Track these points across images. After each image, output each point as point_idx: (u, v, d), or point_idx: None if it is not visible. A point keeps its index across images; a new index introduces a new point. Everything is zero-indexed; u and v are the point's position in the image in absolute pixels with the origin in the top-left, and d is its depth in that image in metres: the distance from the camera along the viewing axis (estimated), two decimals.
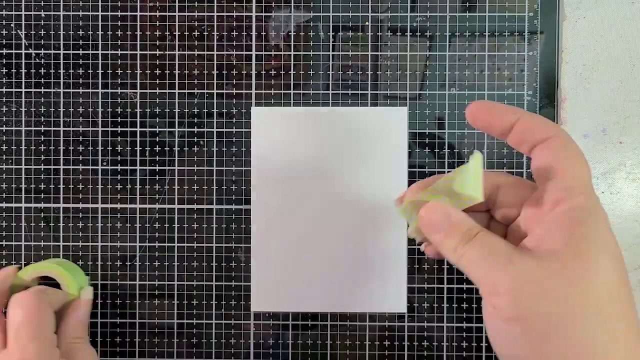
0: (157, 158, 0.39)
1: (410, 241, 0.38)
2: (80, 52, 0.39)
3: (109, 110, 0.39)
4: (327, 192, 0.38)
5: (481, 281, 0.24)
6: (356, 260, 0.38)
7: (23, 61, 0.39)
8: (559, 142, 0.25)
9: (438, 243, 0.26)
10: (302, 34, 0.39)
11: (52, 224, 0.39)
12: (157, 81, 0.39)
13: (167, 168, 0.39)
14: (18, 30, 0.39)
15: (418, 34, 0.39)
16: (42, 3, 0.39)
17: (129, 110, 0.39)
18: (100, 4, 0.39)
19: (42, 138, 0.39)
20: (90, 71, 0.39)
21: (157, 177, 0.39)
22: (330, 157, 0.38)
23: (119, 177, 0.39)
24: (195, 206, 0.39)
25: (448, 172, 0.29)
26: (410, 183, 0.38)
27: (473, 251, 0.24)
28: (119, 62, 0.39)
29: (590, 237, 0.24)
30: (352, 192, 0.38)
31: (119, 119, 0.39)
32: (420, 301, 0.39)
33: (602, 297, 0.23)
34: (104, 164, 0.39)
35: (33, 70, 0.39)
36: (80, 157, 0.39)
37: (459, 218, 0.25)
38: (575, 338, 0.23)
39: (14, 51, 0.39)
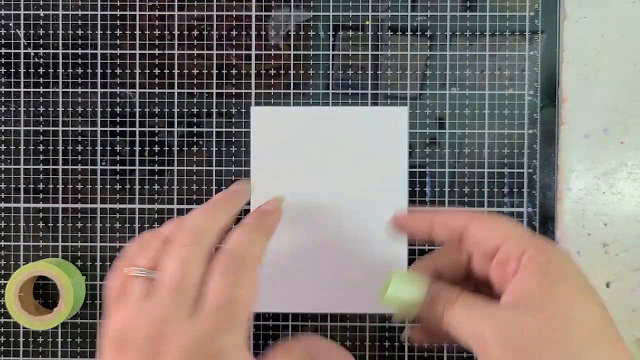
0: (157, 158, 0.39)
1: (411, 241, 0.38)
2: (79, 51, 0.39)
3: (108, 110, 0.39)
4: (327, 192, 0.38)
5: (471, 338, 0.25)
6: (356, 261, 0.38)
7: (22, 61, 0.39)
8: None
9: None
10: (302, 33, 0.39)
11: (50, 224, 0.39)
12: (157, 81, 0.39)
13: (166, 168, 0.39)
14: (17, 30, 0.39)
15: (418, 33, 0.39)
16: (41, 2, 0.39)
17: (128, 110, 0.39)
18: (99, 3, 0.39)
19: (41, 138, 0.39)
20: (90, 71, 0.39)
21: (156, 177, 0.39)
22: (330, 157, 0.38)
23: (118, 177, 0.39)
24: (194, 206, 0.39)
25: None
26: (411, 184, 0.38)
27: (456, 312, 0.26)
28: (118, 61, 0.39)
29: (559, 275, 0.25)
30: (352, 193, 0.38)
31: (118, 119, 0.39)
32: None
33: (588, 329, 0.24)
34: (103, 163, 0.39)
35: (32, 70, 0.39)
36: (79, 157, 0.39)
37: (438, 288, 0.27)
38: None
39: (12, 51, 0.39)
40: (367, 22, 0.39)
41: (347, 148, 0.38)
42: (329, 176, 0.38)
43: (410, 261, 0.38)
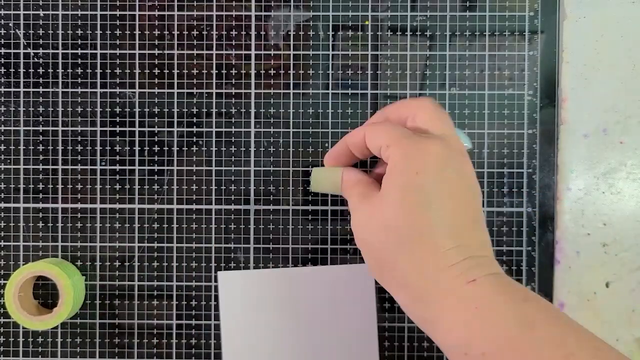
0: (156, 158, 0.39)
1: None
2: (79, 51, 0.39)
3: (108, 110, 0.39)
4: (299, 351, 0.38)
5: (351, 214, 0.33)
6: (329, 349, 0.38)
7: (21, 61, 0.39)
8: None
9: (345, 189, 0.35)
10: (301, 33, 0.39)
11: (50, 224, 0.39)
12: (156, 81, 0.39)
13: (166, 168, 0.39)
14: (16, 30, 0.39)
15: (418, 33, 0.39)
16: (41, 2, 0.39)
17: (127, 110, 0.39)
18: (99, 3, 0.39)
19: (41, 138, 0.39)
20: (89, 71, 0.39)
21: (156, 177, 0.39)
22: (300, 316, 0.38)
23: (117, 177, 0.39)
24: (194, 206, 0.39)
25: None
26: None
27: (350, 193, 0.33)
28: (118, 61, 0.39)
29: (391, 178, 0.30)
30: (324, 351, 0.38)
31: (117, 119, 0.39)
32: None
33: (393, 224, 0.29)
34: (103, 163, 0.39)
35: (31, 70, 0.39)
36: (79, 157, 0.39)
37: (347, 175, 0.34)
38: (382, 261, 0.30)
39: (12, 51, 0.39)
40: (366, 22, 0.39)
41: (316, 307, 0.38)
42: (300, 335, 0.38)
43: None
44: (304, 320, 0.38)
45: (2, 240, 0.39)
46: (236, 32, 0.39)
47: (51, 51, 0.39)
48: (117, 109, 0.39)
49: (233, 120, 0.39)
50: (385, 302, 0.39)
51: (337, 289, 0.38)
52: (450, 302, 0.28)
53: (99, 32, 0.39)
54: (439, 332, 0.29)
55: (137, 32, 0.39)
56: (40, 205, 0.39)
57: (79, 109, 0.39)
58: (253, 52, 0.39)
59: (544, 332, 0.26)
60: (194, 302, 0.39)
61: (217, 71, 0.39)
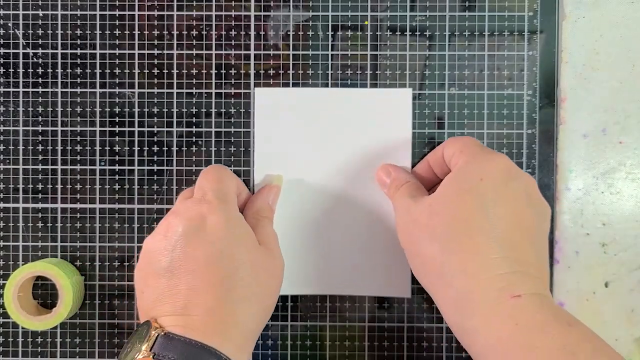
0: (156, 158, 0.39)
1: None
2: (78, 51, 0.39)
3: (107, 110, 0.39)
4: (331, 175, 0.38)
5: (396, 213, 0.34)
6: (361, 245, 0.38)
7: (20, 61, 0.39)
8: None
9: (385, 193, 0.36)
10: (301, 33, 0.39)
11: (49, 224, 0.39)
12: (156, 81, 0.39)
13: (165, 168, 0.39)
14: (15, 30, 0.39)
15: (417, 33, 0.39)
16: (40, 2, 0.39)
17: (127, 110, 0.39)
18: (98, 3, 0.39)
19: (40, 138, 0.39)
20: (88, 71, 0.39)
21: (155, 177, 0.39)
22: (334, 139, 0.38)
23: (117, 177, 0.39)
24: None
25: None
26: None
27: (398, 194, 0.34)
28: (117, 61, 0.39)
29: (453, 179, 0.31)
30: (356, 176, 0.38)
31: (117, 119, 0.39)
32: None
33: (446, 222, 0.30)
34: (102, 163, 0.39)
35: (31, 70, 0.39)
36: (78, 157, 0.39)
37: (396, 174, 0.36)
38: (429, 262, 0.31)
39: (11, 51, 0.39)
40: (366, 22, 0.39)
41: (351, 130, 0.38)
42: (332, 158, 0.38)
43: None
44: (336, 140, 0.38)
45: (2, 240, 0.39)
46: (236, 32, 0.39)
47: (50, 51, 0.39)
48: (117, 109, 0.39)
49: (233, 120, 0.39)
50: (384, 302, 0.39)
51: (376, 111, 0.38)
52: (491, 315, 0.27)
53: (98, 32, 0.39)
54: (478, 343, 0.28)
55: (136, 32, 0.39)
56: (40, 205, 0.39)
57: (79, 109, 0.39)
58: (252, 52, 0.39)
59: None
60: None
61: (216, 71, 0.39)
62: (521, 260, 0.28)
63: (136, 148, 0.39)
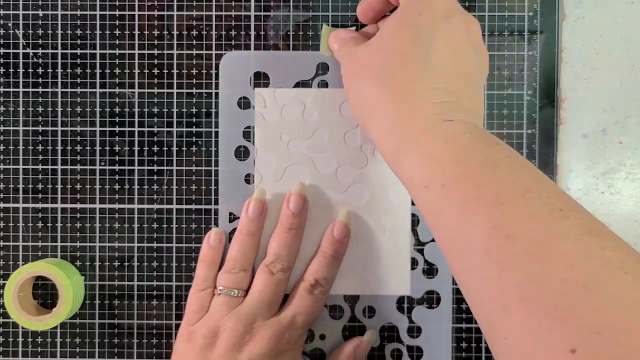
0: (156, 158, 0.39)
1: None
2: (78, 51, 0.39)
3: (107, 110, 0.39)
4: (331, 176, 0.38)
5: (342, 64, 0.35)
6: (361, 244, 0.38)
7: (20, 61, 0.39)
8: None
9: (334, 51, 0.37)
10: (301, 33, 0.39)
11: (49, 224, 0.39)
12: (156, 81, 0.39)
13: (165, 168, 0.39)
14: (15, 30, 0.39)
15: None
16: (40, 2, 0.39)
17: (127, 110, 0.39)
18: (98, 3, 0.39)
19: (40, 138, 0.39)
20: (88, 71, 0.39)
21: (155, 177, 0.39)
22: (335, 140, 0.38)
23: (117, 177, 0.39)
24: (194, 206, 0.39)
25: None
26: None
27: (344, 49, 0.35)
28: (117, 61, 0.39)
29: (393, 17, 0.31)
30: (357, 176, 0.38)
31: (117, 119, 0.39)
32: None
33: (383, 56, 0.30)
34: (102, 164, 0.39)
35: (31, 70, 0.39)
36: (78, 157, 0.39)
37: (343, 34, 0.36)
38: (370, 105, 0.31)
39: (11, 51, 0.39)
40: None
41: (351, 130, 0.38)
42: (332, 158, 0.38)
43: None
44: (335, 137, 0.38)
45: (2, 240, 0.39)
46: (236, 32, 0.39)
47: (50, 51, 0.39)
48: (117, 109, 0.39)
49: None
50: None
51: None
52: (422, 136, 0.28)
53: (98, 32, 0.39)
54: (407, 165, 0.28)
55: (136, 32, 0.39)
56: (40, 205, 0.39)
57: (79, 109, 0.39)
58: (252, 52, 0.39)
59: (508, 171, 0.26)
60: None
61: (216, 71, 0.39)
62: (457, 93, 0.29)
63: (136, 148, 0.39)
